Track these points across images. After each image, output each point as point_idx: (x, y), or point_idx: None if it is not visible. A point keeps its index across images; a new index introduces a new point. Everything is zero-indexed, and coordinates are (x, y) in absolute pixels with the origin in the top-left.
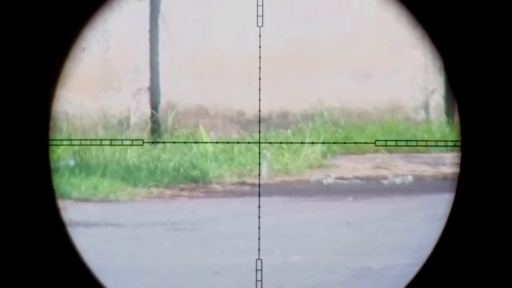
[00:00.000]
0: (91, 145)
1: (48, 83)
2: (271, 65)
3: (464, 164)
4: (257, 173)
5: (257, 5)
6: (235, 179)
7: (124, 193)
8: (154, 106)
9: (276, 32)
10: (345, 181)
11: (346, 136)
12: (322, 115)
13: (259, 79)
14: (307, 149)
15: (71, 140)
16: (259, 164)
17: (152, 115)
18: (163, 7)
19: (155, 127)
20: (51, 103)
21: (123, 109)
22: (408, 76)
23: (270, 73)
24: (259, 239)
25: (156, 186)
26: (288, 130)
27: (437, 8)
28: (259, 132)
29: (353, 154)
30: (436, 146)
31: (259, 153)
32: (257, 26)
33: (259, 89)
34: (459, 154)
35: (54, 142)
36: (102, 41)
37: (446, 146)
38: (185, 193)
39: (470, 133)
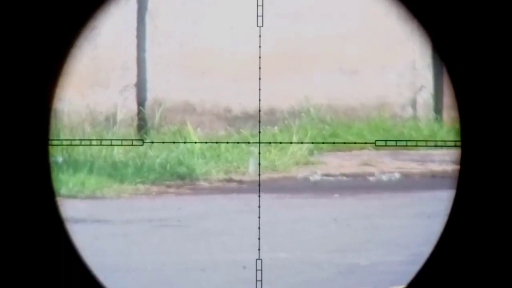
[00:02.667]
0: (91, 145)
1: (48, 83)
2: (260, 63)
3: (464, 163)
4: (244, 170)
5: (257, 5)
6: (222, 176)
7: (110, 189)
8: (141, 102)
9: (263, 30)
10: (331, 178)
11: (333, 133)
12: (309, 112)
13: (259, 78)
14: (294, 146)
15: (71, 140)
16: (257, 162)
17: (139, 112)
18: (150, 4)
19: (142, 123)
20: (51, 103)
21: (110, 106)
22: (396, 73)
23: (258, 71)
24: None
25: (143, 182)
26: (275, 127)
27: (437, 9)
28: (259, 131)
29: (340, 151)
30: (436, 146)
31: (259, 153)
32: (257, 26)
33: (259, 89)
34: (459, 154)
35: (54, 142)
36: (90, 37)
37: (446, 146)
38: (172, 190)
39: (470, 133)
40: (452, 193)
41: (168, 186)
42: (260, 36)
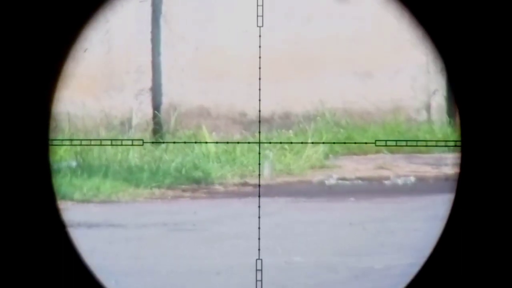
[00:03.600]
0: (91, 145)
1: (48, 83)
2: (273, 66)
3: (464, 164)
4: (259, 173)
5: (257, 5)
6: (237, 179)
7: (126, 194)
8: (156, 107)
9: (278, 32)
10: (347, 182)
11: (348, 136)
12: (324, 116)
13: (259, 79)
14: (309, 150)
15: (71, 140)
16: (259, 164)
17: (154, 116)
18: (164, 8)
19: (157, 128)
20: (51, 103)
21: (125, 110)
22: (410, 77)
23: (272, 74)
24: (259, 239)
25: (158, 187)
26: (290, 131)
27: (438, 9)
28: (259, 132)
29: (355, 154)
30: (436, 146)
31: (259, 153)
32: (257, 26)
33: (259, 89)
34: (459, 154)
35: (55, 142)
36: (104, 41)
37: (446, 146)
38: (187, 194)
39: (470, 133)
40: (452, 193)
41: (184, 190)
42: (260, 36)
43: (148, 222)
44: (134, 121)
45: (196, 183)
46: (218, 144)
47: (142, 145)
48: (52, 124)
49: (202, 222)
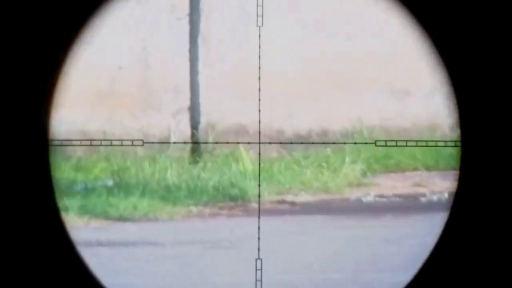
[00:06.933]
0: (91, 145)
1: (48, 83)
2: (313, 83)
3: (464, 164)
4: (296, 191)
5: (257, 5)
6: (274, 197)
7: (163, 212)
8: (195, 125)
9: (318, 49)
10: (384, 199)
11: (385, 154)
12: (361, 133)
13: (259, 78)
14: (347, 168)
15: (71, 140)
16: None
17: (193, 135)
18: (202, 26)
19: (195, 147)
20: (51, 103)
21: (163, 129)
22: (444, 94)
23: (312, 91)
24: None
25: (196, 205)
26: (328, 149)
27: (437, 8)
28: (259, 131)
29: (392, 172)
30: (436, 146)
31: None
32: (257, 26)
33: (259, 89)
34: (459, 154)
35: (54, 143)
36: (141, 60)
37: (445, 146)
38: (224, 211)
39: (470, 133)
40: (453, 193)
41: (221, 208)
42: (260, 36)
43: (185, 240)
44: (172, 140)
45: (233, 201)
46: (255, 162)
47: (142, 145)
48: (53, 124)
49: (239, 240)
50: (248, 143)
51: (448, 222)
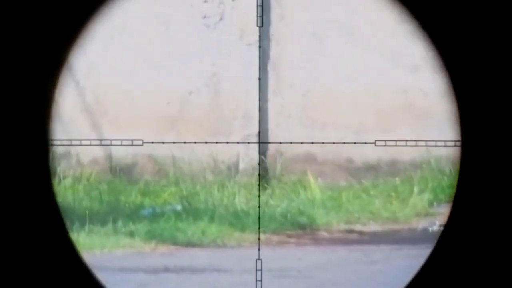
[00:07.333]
0: (91, 145)
1: (48, 83)
2: (384, 115)
3: (464, 164)
4: (365, 220)
5: (257, 5)
6: (342, 226)
7: (231, 238)
8: (263, 152)
9: (389, 83)
10: None
11: (451, 184)
12: (429, 163)
13: (259, 78)
14: (415, 197)
15: (71, 140)
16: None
17: (261, 161)
18: (272, 53)
19: (263, 173)
20: (51, 103)
21: (232, 155)
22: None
23: (383, 123)
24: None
25: (264, 232)
26: (396, 178)
27: (437, 8)
28: (259, 131)
29: None
30: (436, 146)
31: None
32: (257, 26)
33: (259, 88)
34: (459, 154)
35: (54, 143)
36: (210, 85)
37: (445, 146)
38: (292, 239)
39: (470, 133)
40: (453, 193)
41: (289, 236)
42: (259, 36)
43: (253, 268)
44: (241, 166)
45: (301, 229)
46: (324, 190)
47: (142, 145)
48: (52, 124)
49: (307, 269)
50: (248, 143)
51: (448, 222)
